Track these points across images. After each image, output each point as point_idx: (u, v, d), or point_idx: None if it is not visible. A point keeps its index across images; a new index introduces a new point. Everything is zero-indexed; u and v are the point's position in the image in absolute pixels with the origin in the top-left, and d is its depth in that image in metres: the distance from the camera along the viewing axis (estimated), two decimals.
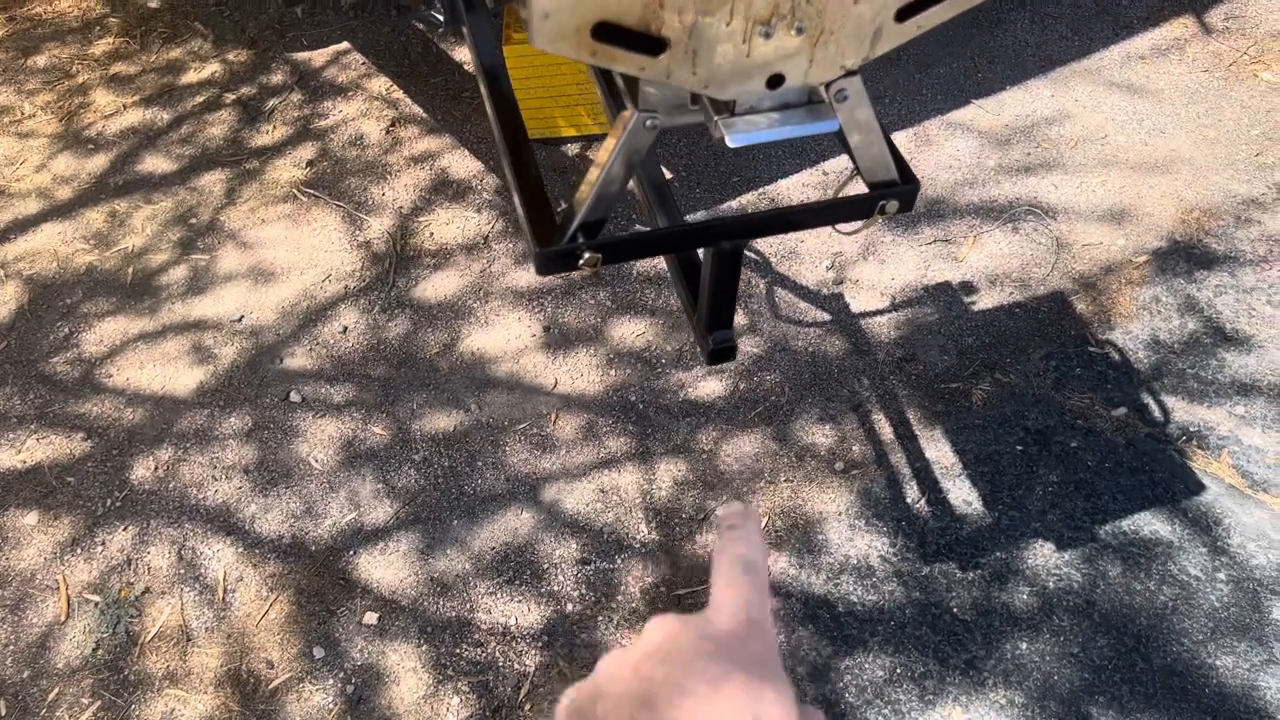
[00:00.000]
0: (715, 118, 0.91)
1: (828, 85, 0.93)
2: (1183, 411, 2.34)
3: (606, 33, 0.76)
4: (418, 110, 3.22)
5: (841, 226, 1.20)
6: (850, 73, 0.91)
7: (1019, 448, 2.30)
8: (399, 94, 3.28)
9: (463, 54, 3.39)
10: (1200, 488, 2.20)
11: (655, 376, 2.51)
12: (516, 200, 1.12)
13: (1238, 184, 2.84)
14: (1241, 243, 2.68)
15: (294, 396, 2.51)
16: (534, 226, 1.06)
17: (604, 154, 0.96)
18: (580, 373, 2.53)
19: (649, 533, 2.23)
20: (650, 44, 0.79)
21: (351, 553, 2.24)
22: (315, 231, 2.89)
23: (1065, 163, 2.93)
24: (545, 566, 2.19)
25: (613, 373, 2.52)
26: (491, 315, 2.66)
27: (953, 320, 2.58)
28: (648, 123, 0.93)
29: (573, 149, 3.07)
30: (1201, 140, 2.97)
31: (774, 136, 0.94)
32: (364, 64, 3.39)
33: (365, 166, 3.06)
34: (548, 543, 2.23)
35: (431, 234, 2.86)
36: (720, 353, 1.16)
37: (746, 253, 2.78)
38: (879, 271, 2.68)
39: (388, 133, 3.16)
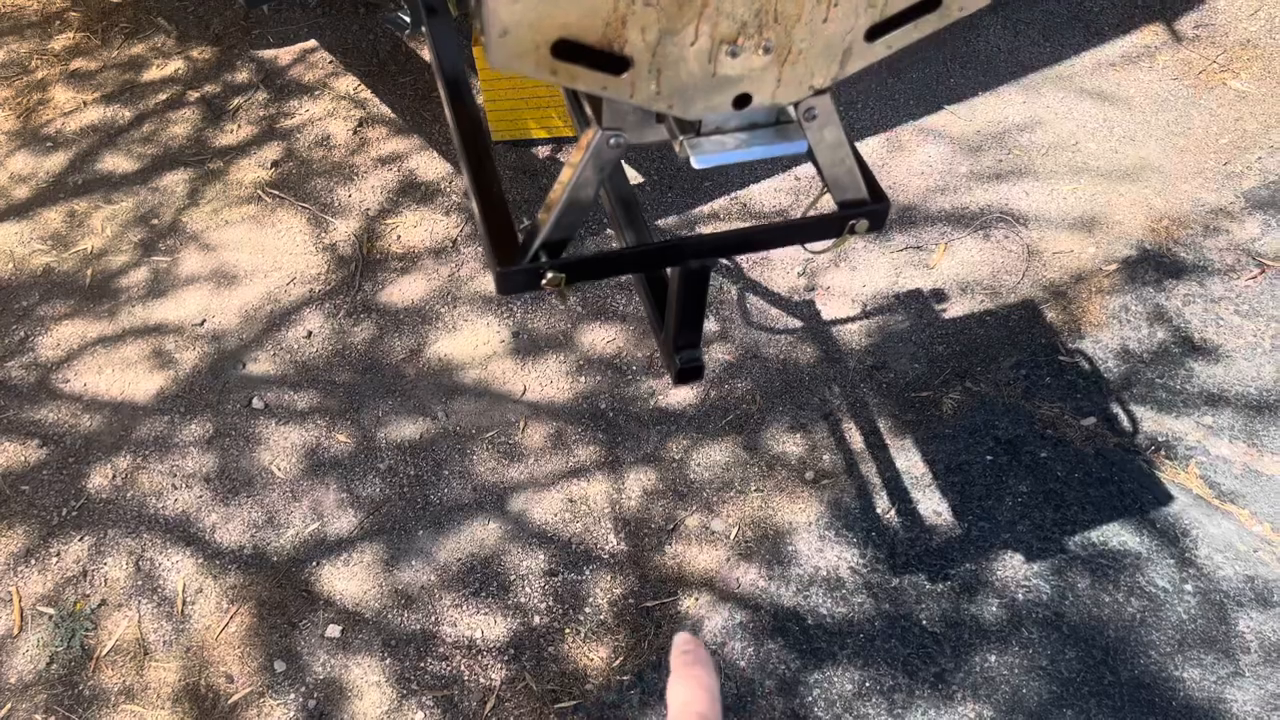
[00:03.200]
0: (680, 137, 0.88)
1: (796, 104, 0.90)
2: (1151, 421, 2.34)
3: (567, 51, 0.73)
4: (386, 110, 3.17)
5: (811, 245, 1.18)
6: (819, 91, 0.89)
7: (989, 458, 2.29)
8: (367, 94, 3.23)
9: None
10: (1168, 498, 2.21)
11: (625, 384, 2.48)
12: (477, 216, 1.09)
13: (1206, 193, 2.85)
14: (1210, 252, 2.69)
15: (256, 403, 2.46)
16: (495, 244, 1.03)
17: (568, 172, 0.92)
18: (549, 380, 2.50)
19: (618, 543, 2.20)
20: (613, 62, 0.75)
21: (314, 564, 2.20)
22: (280, 234, 2.84)
23: (1036, 170, 2.93)
24: (512, 578, 2.16)
25: (582, 380, 2.49)
26: (459, 320, 2.63)
27: (924, 328, 2.57)
28: (611, 141, 0.90)
29: (543, 151, 3.03)
30: (1171, 148, 2.98)
31: (741, 158, 0.92)
32: (331, 62, 3.33)
33: (331, 167, 3.01)
34: (515, 554, 2.20)
35: (398, 237, 2.82)
36: (688, 372, 1.13)
37: None
38: (850, 278, 2.67)
39: (355, 133, 3.11)
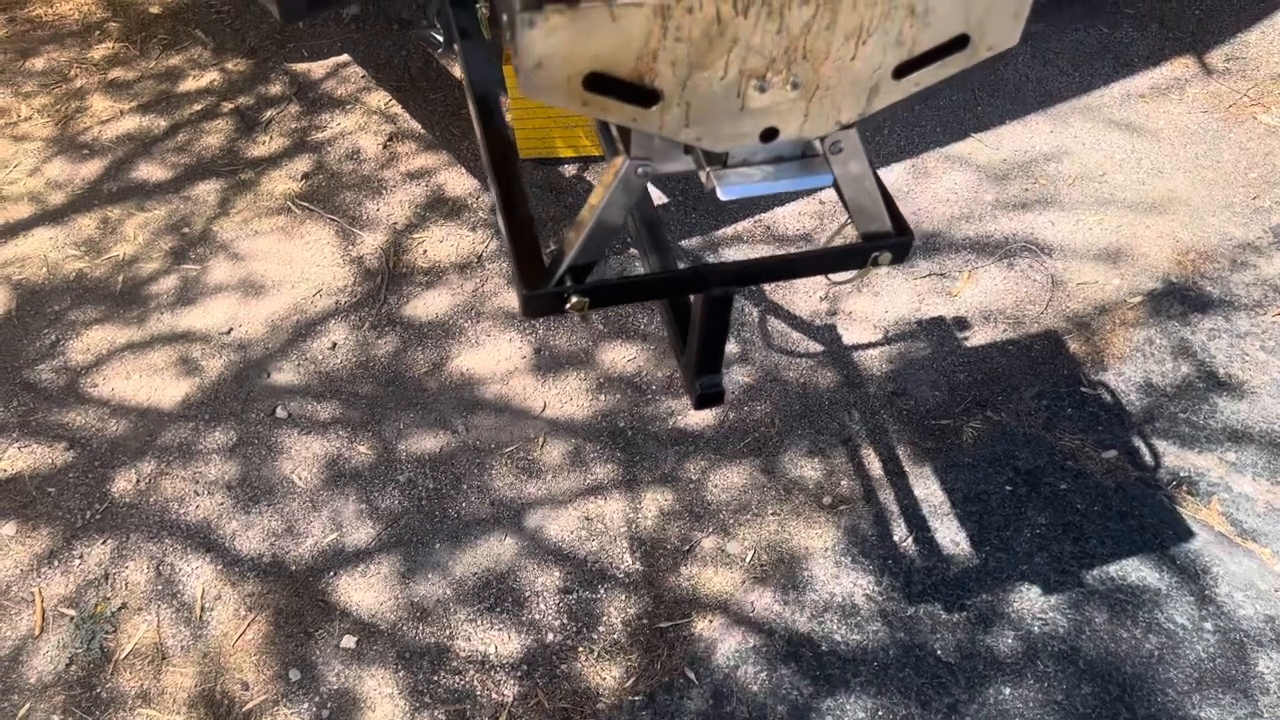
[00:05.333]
0: (707, 168, 0.89)
1: (823, 138, 0.92)
2: (1174, 456, 2.33)
3: (599, 83, 0.74)
4: (416, 126, 3.21)
5: (834, 276, 1.19)
6: (845, 126, 0.90)
7: (1008, 488, 2.28)
8: (398, 109, 3.27)
9: None
10: (1189, 534, 2.19)
11: (645, 403, 2.49)
12: (505, 238, 1.10)
13: (1234, 227, 2.83)
14: (1236, 287, 2.68)
15: (280, 412, 2.49)
16: (522, 267, 1.04)
17: (595, 198, 0.93)
18: (570, 397, 2.51)
19: (633, 563, 2.21)
20: (643, 95, 0.77)
21: (332, 574, 2.21)
22: (308, 245, 2.87)
23: (1063, 200, 2.93)
24: (527, 594, 2.17)
25: (602, 398, 2.50)
26: (482, 335, 2.65)
27: (945, 356, 2.57)
28: (639, 170, 0.91)
29: (570, 170, 3.05)
30: (1199, 182, 2.96)
31: (767, 190, 0.92)
32: (363, 77, 3.38)
33: (361, 181, 3.04)
34: (530, 570, 2.21)
35: (425, 251, 2.85)
36: (708, 398, 1.14)
37: None
38: (873, 304, 2.67)
39: (385, 147, 3.14)
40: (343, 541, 2.26)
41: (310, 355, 2.61)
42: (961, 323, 2.64)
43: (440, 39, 2.23)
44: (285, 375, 2.57)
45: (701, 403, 1.13)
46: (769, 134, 0.85)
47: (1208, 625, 2.05)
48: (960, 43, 0.84)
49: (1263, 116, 3.17)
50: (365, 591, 2.18)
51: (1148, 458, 2.33)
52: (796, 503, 2.29)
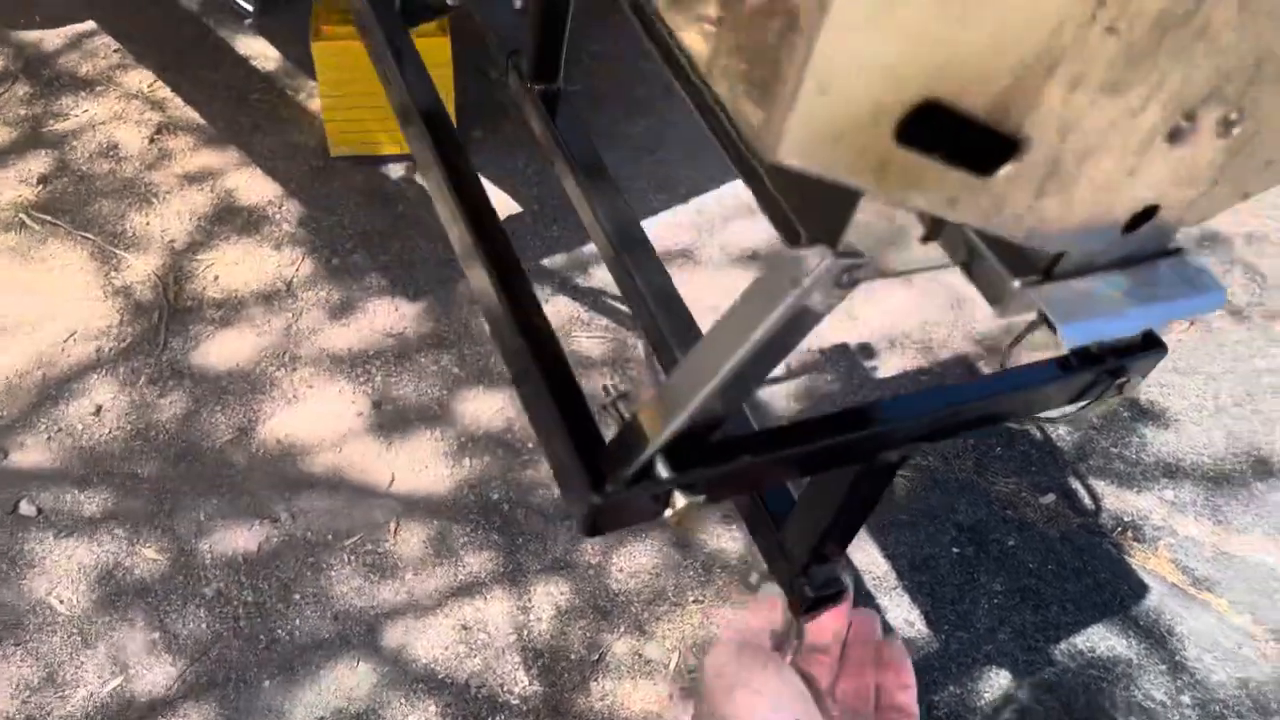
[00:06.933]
0: (1015, 282, 0.45)
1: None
2: (1113, 497, 2.12)
3: (923, 127, 0.31)
4: (191, 114, 2.56)
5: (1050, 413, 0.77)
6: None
7: (955, 550, 1.99)
8: (165, 92, 2.60)
9: (253, 45, 2.74)
10: (1144, 589, 1.98)
11: (521, 466, 2.03)
12: (546, 429, 0.59)
13: None
14: None
15: (26, 508, 1.84)
16: (580, 453, 0.54)
17: (736, 323, 0.45)
18: (424, 464, 2.00)
19: (529, 683, 1.75)
20: (988, 152, 0.34)
21: None
22: (53, 272, 2.19)
23: None
24: None
25: (466, 463, 2.01)
26: (301, 387, 2.09)
27: (855, 389, 2.26)
28: (846, 276, 0.45)
29: (396, 170, 2.51)
30: None
31: (1130, 328, 0.49)
32: (117, 51, 2.67)
33: (122, 186, 2.37)
34: (395, 705, 1.70)
35: (216, 278, 2.24)
36: (823, 600, 0.69)
37: (611, 302, 2.36)
38: None
39: (151, 142, 2.48)
40: (130, 689, 1.66)
41: (65, 424, 1.96)
42: (867, 350, 2.34)
43: (249, 8, 1.67)
44: (31, 454, 1.91)
45: (811, 606, 0.68)
46: (1140, 217, 0.43)
47: (1185, 699, 1.83)
48: None
49: None
50: None
51: (1087, 500, 2.11)
52: (720, 584, 1.90)
